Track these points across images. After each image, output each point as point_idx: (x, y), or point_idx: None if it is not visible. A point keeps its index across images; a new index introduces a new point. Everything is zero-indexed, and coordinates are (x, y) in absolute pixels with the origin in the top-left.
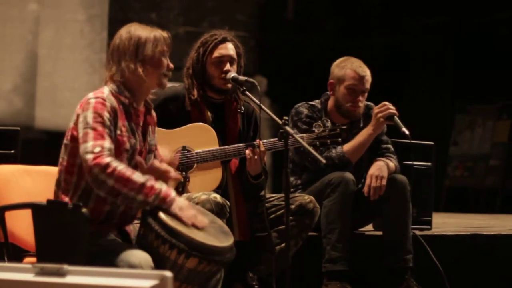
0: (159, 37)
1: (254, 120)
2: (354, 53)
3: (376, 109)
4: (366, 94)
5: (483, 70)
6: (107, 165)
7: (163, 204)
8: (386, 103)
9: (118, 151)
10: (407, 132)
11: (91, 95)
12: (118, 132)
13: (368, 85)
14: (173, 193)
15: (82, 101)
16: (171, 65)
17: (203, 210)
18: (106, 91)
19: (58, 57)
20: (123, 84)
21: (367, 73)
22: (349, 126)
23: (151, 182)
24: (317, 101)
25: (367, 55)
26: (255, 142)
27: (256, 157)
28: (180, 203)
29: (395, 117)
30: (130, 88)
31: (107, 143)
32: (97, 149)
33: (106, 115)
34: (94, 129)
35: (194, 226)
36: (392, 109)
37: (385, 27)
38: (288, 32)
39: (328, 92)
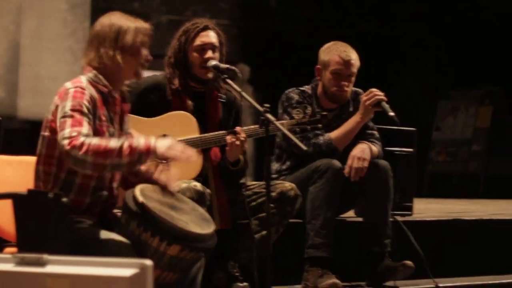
0: (140, 27)
1: (235, 109)
2: (337, 40)
3: (363, 97)
4: (353, 79)
5: (466, 56)
6: (82, 144)
7: (150, 155)
8: (373, 89)
9: None
10: (394, 116)
11: (69, 84)
12: (98, 121)
13: (354, 69)
14: (152, 140)
15: (60, 91)
16: (150, 57)
17: (183, 198)
18: (83, 80)
19: (40, 46)
20: (101, 72)
21: (352, 57)
22: (339, 111)
23: (127, 142)
24: (307, 86)
25: (350, 42)
26: (235, 129)
27: (237, 142)
28: (164, 143)
29: (382, 102)
30: (107, 75)
31: (85, 129)
32: (74, 133)
33: (85, 103)
34: (71, 116)
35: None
36: (379, 95)
37: (368, 14)
38: (271, 20)
39: (317, 78)
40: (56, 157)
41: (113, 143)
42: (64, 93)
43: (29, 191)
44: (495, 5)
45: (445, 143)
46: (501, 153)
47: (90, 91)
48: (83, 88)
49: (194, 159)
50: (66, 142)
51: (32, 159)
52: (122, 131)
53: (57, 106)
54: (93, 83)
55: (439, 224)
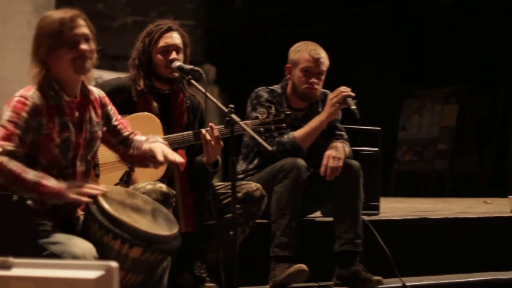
0: (67, 21)
1: (200, 113)
2: (302, 40)
3: (330, 95)
4: (323, 77)
5: (432, 55)
6: None
7: (59, 199)
8: (341, 88)
9: (47, 148)
10: (356, 110)
11: (18, 92)
12: (45, 129)
13: (323, 67)
14: (62, 185)
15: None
16: (89, 47)
17: (147, 199)
18: (34, 88)
19: (6, 49)
20: (52, 77)
21: (321, 55)
22: (308, 110)
23: (44, 180)
24: (277, 86)
25: (315, 41)
26: (203, 130)
27: (212, 143)
28: (68, 187)
29: (348, 98)
30: (57, 80)
31: (11, 146)
32: None
33: (24, 115)
34: (4, 127)
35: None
36: (346, 91)
37: (332, 13)
38: (236, 20)
39: (287, 77)
40: None
41: (31, 175)
42: (10, 100)
43: None
44: (459, 3)
45: (411, 142)
46: (467, 151)
47: (34, 100)
48: (26, 98)
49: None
50: None
51: None
52: (82, 133)
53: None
54: (43, 90)
55: (405, 223)
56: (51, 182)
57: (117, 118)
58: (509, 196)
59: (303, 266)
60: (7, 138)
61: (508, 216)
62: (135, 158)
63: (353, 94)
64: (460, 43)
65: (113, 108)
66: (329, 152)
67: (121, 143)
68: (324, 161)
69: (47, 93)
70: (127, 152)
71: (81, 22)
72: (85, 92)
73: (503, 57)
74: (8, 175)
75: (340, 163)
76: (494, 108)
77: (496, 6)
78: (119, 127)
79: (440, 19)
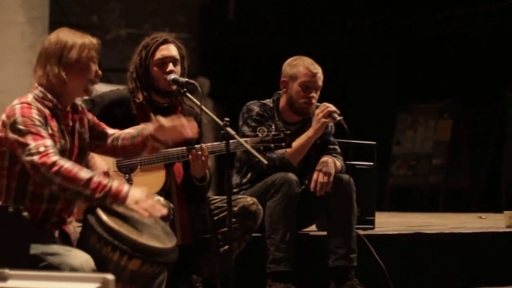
0: (87, 43)
1: (197, 125)
2: (296, 54)
3: (317, 111)
4: (319, 92)
5: (425, 70)
6: (53, 164)
7: (116, 200)
8: (326, 104)
9: None
10: (342, 120)
11: (15, 102)
12: (50, 132)
13: (320, 82)
14: (125, 188)
15: (7, 108)
16: (99, 72)
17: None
18: (30, 97)
19: (1, 59)
20: (47, 89)
21: (319, 70)
22: (301, 125)
23: (98, 178)
24: (268, 100)
25: (309, 55)
26: (197, 146)
27: (200, 161)
28: (134, 196)
29: (333, 113)
30: (54, 91)
31: (48, 141)
32: (42, 149)
33: (34, 116)
34: (29, 131)
35: (151, 216)
36: (330, 107)
37: (327, 27)
38: (230, 33)
39: (279, 92)
40: (5, 168)
41: (84, 173)
42: (10, 110)
43: None
44: (452, 18)
45: (406, 156)
46: (461, 166)
47: (36, 104)
48: (29, 103)
49: (160, 213)
50: (35, 157)
51: None
52: (74, 142)
53: (3, 122)
54: (39, 100)
55: (401, 238)
56: (107, 181)
57: (97, 122)
58: (505, 212)
59: None
60: (39, 137)
61: (504, 232)
62: (127, 149)
63: (338, 111)
64: (454, 56)
65: (93, 116)
66: (319, 168)
67: (111, 141)
68: (314, 177)
69: (43, 102)
70: (118, 146)
71: None
72: (74, 107)
73: (498, 70)
74: (65, 176)
75: (331, 178)
76: (488, 123)
77: (489, 20)
78: (104, 130)
79: (434, 33)
